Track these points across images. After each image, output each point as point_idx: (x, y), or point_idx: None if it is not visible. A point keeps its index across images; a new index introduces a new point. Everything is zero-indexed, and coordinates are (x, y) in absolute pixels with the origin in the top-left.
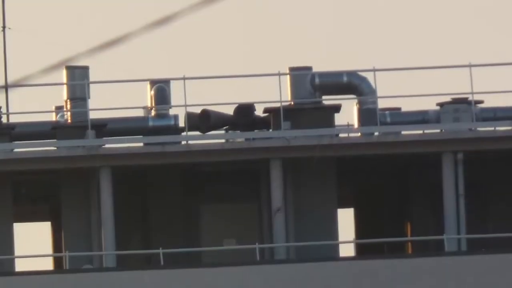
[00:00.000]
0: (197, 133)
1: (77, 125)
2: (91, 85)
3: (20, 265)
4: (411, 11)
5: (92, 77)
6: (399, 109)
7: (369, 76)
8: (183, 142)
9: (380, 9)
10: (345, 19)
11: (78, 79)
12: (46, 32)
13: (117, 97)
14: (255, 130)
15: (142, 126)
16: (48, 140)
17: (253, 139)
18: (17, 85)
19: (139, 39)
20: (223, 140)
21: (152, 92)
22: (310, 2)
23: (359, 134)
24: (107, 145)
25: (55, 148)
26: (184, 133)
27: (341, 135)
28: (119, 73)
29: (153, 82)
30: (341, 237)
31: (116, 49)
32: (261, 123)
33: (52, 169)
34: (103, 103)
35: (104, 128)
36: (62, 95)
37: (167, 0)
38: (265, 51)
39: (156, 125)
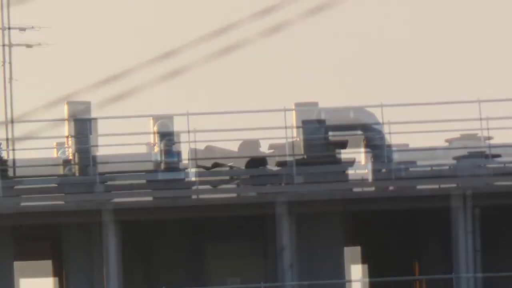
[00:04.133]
0: (207, 186)
1: (84, 182)
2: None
3: None
4: (419, 46)
5: (94, 113)
6: (407, 145)
7: (377, 111)
8: (194, 197)
9: (387, 44)
10: (352, 54)
11: (80, 115)
12: (48, 70)
13: (120, 133)
14: (268, 184)
15: (145, 162)
16: (55, 195)
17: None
18: (18, 121)
19: (142, 74)
20: (234, 195)
21: (156, 128)
22: (316, 36)
23: (373, 188)
24: (114, 199)
25: (62, 202)
26: (194, 187)
27: (355, 189)
28: (122, 109)
29: (156, 118)
30: (348, 276)
31: (118, 85)
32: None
33: (57, 223)
34: (106, 140)
35: (110, 175)
36: (64, 131)
37: (170, 35)
38: (271, 87)
39: (159, 160)
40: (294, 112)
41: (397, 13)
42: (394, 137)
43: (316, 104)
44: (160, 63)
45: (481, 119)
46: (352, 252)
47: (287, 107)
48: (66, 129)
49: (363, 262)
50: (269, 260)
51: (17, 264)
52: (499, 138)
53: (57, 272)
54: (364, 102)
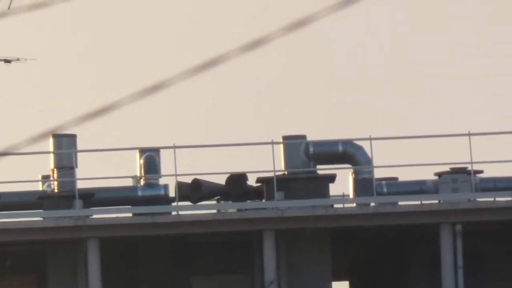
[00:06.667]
0: (188, 203)
1: (64, 195)
2: (79, 154)
3: None
4: (408, 78)
5: (80, 146)
6: (396, 179)
7: (365, 145)
8: (174, 213)
9: (375, 77)
10: (340, 87)
11: (66, 148)
12: (33, 100)
13: (106, 166)
14: (248, 201)
15: (131, 195)
16: (35, 211)
17: (246, 209)
18: (2, 154)
19: (128, 107)
20: (214, 211)
21: (142, 161)
22: (303, 69)
23: (354, 204)
24: (94, 216)
25: (42, 218)
26: (174, 203)
27: (336, 205)
28: (108, 141)
29: (142, 151)
30: None
31: (104, 118)
32: (254, 193)
33: (38, 240)
34: (91, 172)
35: (92, 198)
36: (49, 163)
37: (156, 67)
38: (258, 119)
39: (145, 195)
40: (282, 145)
41: (386, 45)
42: (382, 171)
43: (304, 137)
44: (148, 91)
45: (471, 152)
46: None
47: (274, 140)
48: (51, 161)
49: None
50: (255, 275)
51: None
52: (489, 171)
53: None
54: (352, 135)
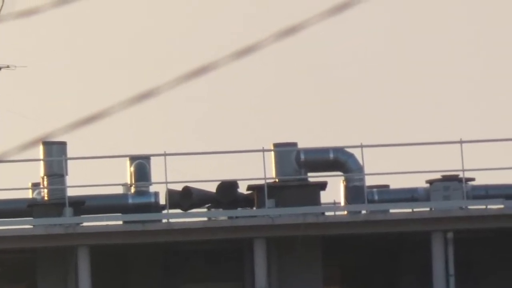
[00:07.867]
0: (179, 211)
1: (54, 203)
2: (69, 161)
3: None
4: (399, 86)
5: (70, 153)
6: (387, 186)
7: (356, 152)
8: (164, 220)
9: (366, 84)
10: (332, 94)
11: (56, 155)
12: (23, 108)
13: (96, 174)
14: (238, 208)
15: (121, 203)
16: (24, 219)
17: (236, 217)
18: None
19: (118, 114)
20: (205, 219)
21: (132, 169)
22: (294, 77)
23: (345, 212)
24: (85, 223)
25: (32, 226)
26: (165, 211)
27: (327, 213)
28: (98, 149)
29: (133, 158)
30: None
31: (95, 125)
32: (245, 201)
33: (28, 248)
34: (81, 180)
35: (82, 206)
36: (39, 171)
37: (146, 74)
38: (249, 127)
39: (136, 203)
40: (273, 153)
41: (376, 53)
42: (374, 178)
43: (295, 144)
44: (138, 98)
45: (462, 159)
46: None
47: (265, 148)
48: (41, 169)
49: None
50: (246, 283)
51: None
52: (480, 179)
53: None
54: (343, 142)
